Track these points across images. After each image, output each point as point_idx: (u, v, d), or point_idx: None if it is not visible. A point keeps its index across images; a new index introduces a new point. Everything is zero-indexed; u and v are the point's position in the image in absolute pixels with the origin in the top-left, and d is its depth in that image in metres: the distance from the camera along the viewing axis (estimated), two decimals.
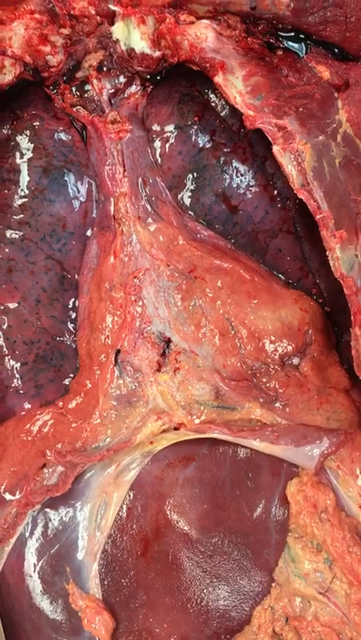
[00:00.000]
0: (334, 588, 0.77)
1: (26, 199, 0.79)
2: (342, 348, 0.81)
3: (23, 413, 0.81)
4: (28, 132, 0.78)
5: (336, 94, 0.72)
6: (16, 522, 0.77)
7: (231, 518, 0.81)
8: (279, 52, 0.73)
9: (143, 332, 0.78)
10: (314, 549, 0.78)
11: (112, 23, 0.71)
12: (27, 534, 0.80)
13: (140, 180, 0.76)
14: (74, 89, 0.75)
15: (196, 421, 0.78)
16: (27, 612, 0.80)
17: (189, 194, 0.80)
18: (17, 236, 0.80)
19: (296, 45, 0.73)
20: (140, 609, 0.81)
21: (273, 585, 0.81)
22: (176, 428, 0.78)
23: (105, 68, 0.74)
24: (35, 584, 0.80)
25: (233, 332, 0.77)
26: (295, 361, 0.79)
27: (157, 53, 0.72)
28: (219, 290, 0.77)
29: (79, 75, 0.74)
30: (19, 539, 0.79)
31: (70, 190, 0.80)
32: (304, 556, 0.79)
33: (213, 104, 0.78)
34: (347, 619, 0.77)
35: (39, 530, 0.80)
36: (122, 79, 0.75)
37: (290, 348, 0.78)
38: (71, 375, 0.82)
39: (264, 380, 0.78)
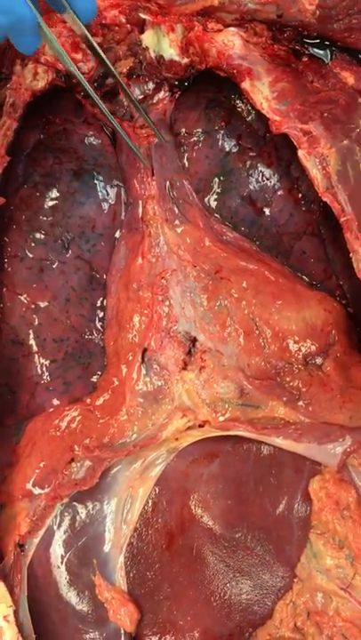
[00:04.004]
0: (356, 584, 0.78)
1: (57, 201, 0.81)
2: None
3: (52, 409, 0.83)
4: (59, 137, 0.80)
5: (360, 100, 0.73)
6: (45, 514, 0.79)
7: (254, 514, 0.82)
8: (305, 59, 0.75)
9: (170, 332, 0.79)
10: (336, 546, 0.79)
11: (142, 31, 0.73)
12: (55, 527, 0.81)
13: (168, 183, 0.78)
14: (104, 95, 0.77)
15: (221, 419, 0.79)
16: (54, 603, 0.82)
17: (216, 197, 0.82)
18: (48, 237, 0.82)
19: (321, 52, 0.75)
20: (165, 601, 0.82)
21: (295, 580, 0.82)
22: (201, 425, 0.79)
23: (134, 75, 0.76)
24: (62, 575, 0.82)
25: (257, 332, 0.78)
26: (318, 361, 0.80)
27: (186, 60, 0.74)
28: (244, 290, 0.78)
29: (109, 81, 0.76)
30: (47, 531, 0.80)
31: (100, 193, 0.82)
32: (326, 553, 0.80)
33: (240, 109, 0.80)
34: None
35: (67, 522, 0.81)
36: (151, 85, 0.77)
37: (313, 347, 0.79)
38: (99, 373, 0.84)
39: (288, 379, 0.79)
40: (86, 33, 0.65)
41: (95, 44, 0.66)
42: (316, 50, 0.75)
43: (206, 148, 0.80)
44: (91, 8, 0.62)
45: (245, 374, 0.79)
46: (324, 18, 0.71)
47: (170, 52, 0.73)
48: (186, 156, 0.80)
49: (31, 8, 0.56)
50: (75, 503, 0.82)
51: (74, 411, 0.81)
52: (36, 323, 0.83)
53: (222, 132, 0.80)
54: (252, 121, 0.80)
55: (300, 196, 0.81)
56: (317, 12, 0.70)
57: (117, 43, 0.74)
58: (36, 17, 0.57)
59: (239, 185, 0.81)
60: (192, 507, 0.82)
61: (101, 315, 0.84)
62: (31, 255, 0.82)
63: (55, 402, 0.83)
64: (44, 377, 0.83)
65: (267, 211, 0.81)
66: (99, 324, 0.84)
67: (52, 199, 0.82)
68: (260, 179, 0.81)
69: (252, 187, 0.81)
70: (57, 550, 0.81)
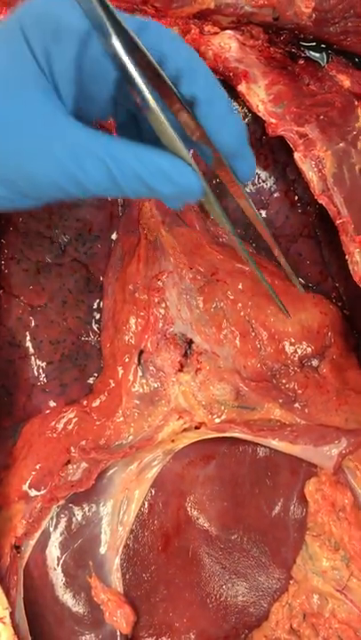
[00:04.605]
0: (351, 585, 0.78)
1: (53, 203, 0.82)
2: None
3: (48, 411, 0.83)
4: None
5: (356, 102, 0.74)
6: (41, 516, 0.79)
7: (250, 516, 0.82)
8: (301, 62, 0.75)
9: (166, 334, 0.79)
10: (331, 547, 0.79)
11: None
12: (51, 529, 0.82)
13: None
14: None
15: (217, 421, 0.79)
16: (50, 605, 0.82)
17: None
18: (45, 240, 0.82)
19: (317, 55, 0.75)
20: (161, 603, 0.82)
21: (291, 582, 0.82)
22: (197, 427, 0.80)
23: None
24: (58, 577, 0.82)
25: (253, 334, 0.79)
26: (314, 363, 0.80)
27: None
28: (240, 292, 0.79)
29: None
30: (43, 533, 0.81)
31: None
32: (322, 554, 0.80)
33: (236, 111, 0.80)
34: None
35: (63, 524, 0.82)
36: None
37: (309, 350, 0.79)
38: (95, 374, 0.84)
39: (284, 381, 0.79)
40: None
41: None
42: (312, 53, 0.75)
43: None
44: (251, 172, 0.59)
45: (241, 376, 0.79)
46: (320, 21, 0.71)
47: None
48: None
49: (201, 181, 0.50)
50: (71, 505, 0.82)
51: (70, 412, 0.82)
52: (33, 325, 0.83)
53: None
54: (249, 123, 0.80)
55: (296, 198, 0.82)
56: (314, 15, 0.70)
57: None
58: (205, 189, 0.51)
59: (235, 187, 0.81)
60: (188, 508, 0.83)
61: (98, 317, 0.84)
62: (28, 257, 0.82)
63: (52, 403, 0.84)
64: (41, 379, 0.83)
65: (263, 213, 0.82)
66: (95, 326, 0.84)
67: None
68: (256, 181, 0.81)
69: (248, 189, 0.81)
70: (53, 552, 0.82)
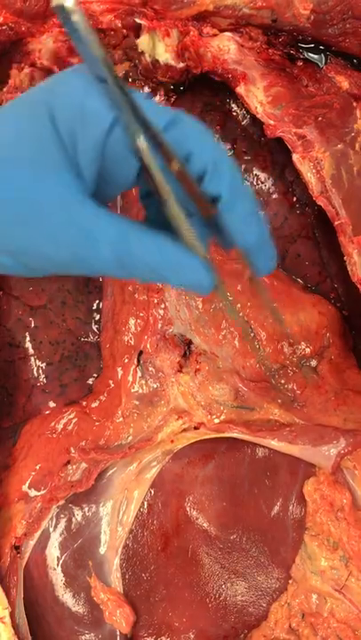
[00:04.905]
0: (350, 585, 0.78)
1: None
2: (359, 352, 0.83)
3: (48, 412, 0.83)
4: None
5: (355, 104, 0.74)
6: (41, 516, 0.79)
7: (249, 516, 0.82)
8: (299, 63, 0.75)
9: (165, 334, 0.80)
10: (330, 547, 0.80)
11: (138, 36, 0.73)
12: (51, 529, 0.82)
13: None
14: None
15: (216, 421, 0.79)
16: (50, 605, 0.82)
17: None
18: None
19: (316, 56, 0.75)
20: (160, 603, 0.83)
21: (290, 582, 0.82)
22: (196, 428, 0.80)
23: (130, 79, 0.76)
24: (58, 577, 0.82)
25: (252, 335, 0.79)
26: (313, 363, 0.80)
27: (181, 65, 0.74)
28: (239, 293, 0.79)
29: None
30: (43, 533, 0.81)
31: None
32: (320, 554, 0.80)
33: (235, 113, 0.80)
34: None
35: (63, 524, 0.82)
36: (146, 89, 0.77)
37: (308, 350, 0.79)
38: (95, 375, 0.85)
39: (282, 381, 0.79)
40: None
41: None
42: (310, 54, 0.75)
43: None
44: (271, 267, 0.57)
45: (240, 377, 0.79)
46: (318, 23, 0.71)
47: (165, 56, 0.74)
48: None
49: (211, 273, 0.49)
50: (71, 505, 0.82)
51: (70, 413, 0.82)
52: (33, 325, 0.83)
53: (218, 135, 0.81)
54: (247, 125, 0.80)
55: (294, 199, 0.82)
56: (312, 16, 0.71)
57: (113, 47, 0.74)
58: (214, 281, 0.50)
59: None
60: (187, 508, 0.83)
61: (97, 317, 0.84)
62: None
63: (51, 404, 0.84)
64: (41, 379, 0.84)
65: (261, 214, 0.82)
66: (95, 327, 0.84)
67: None
68: (254, 182, 0.82)
69: None
70: (53, 552, 0.82)
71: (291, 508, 0.82)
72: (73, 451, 0.79)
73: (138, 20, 0.72)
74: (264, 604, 0.83)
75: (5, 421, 0.83)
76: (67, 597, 0.82)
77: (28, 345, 0.83)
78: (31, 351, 0.83)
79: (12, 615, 0.73)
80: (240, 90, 0.72)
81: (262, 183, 0.82)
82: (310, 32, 0.72)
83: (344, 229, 0.71)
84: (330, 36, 0.72)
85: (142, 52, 0.74)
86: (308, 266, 0.83)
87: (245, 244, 0.52)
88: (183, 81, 0.76)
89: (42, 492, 0.79)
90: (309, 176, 0.71)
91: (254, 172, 0.81)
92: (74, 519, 0.82)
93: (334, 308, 0.82)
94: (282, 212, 0.82)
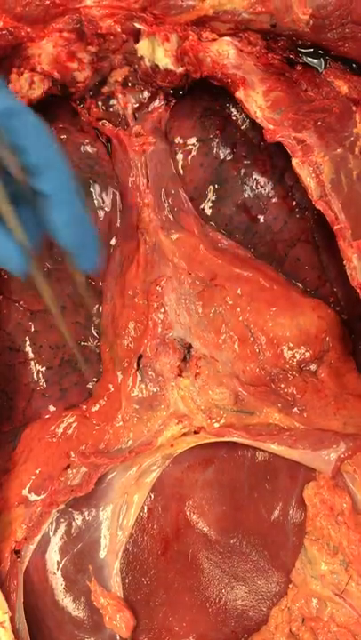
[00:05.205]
0: (350, 589, 0.78)
1: None
2: (359, 355, 0.83)
3: (48, 416, 0.83)
4: None
5: (354, 108, 0.74)
6: (40, 521, 0.79)
7: (249, 520, 0.82)
8: (298, 68, 0.75)
9: (165, 338, 0.80)
10: (330, 551, 0.80)
11: (137, 41, 0.73)
12: (51, 533, 0.82)
13: (163, 191, 0.79)
14: (100, 103, 0.77)
15: (216, 425, 0.79)
16: (50, 609, 0.82)
17: (210, 204, 0.82)
18: (45, 244, 0.82)
19: (315, 61, 0.75)
20: (160, 607, 0.83)
21: (290, 586, 0.82)
22: (196, 432, 0.80)
23: (130, 84, 0.76)
24: (58, 581, 0.82)
25: (252, 339, 0.79)
26: (313, 367, 0.80)
27: (181, 69, 0.74)
28: (239, 297, 0.79)
29: (105, 90, 0.76)
30: (43, 537, 0.81)
31: (95, 201, 0.82)
32: (320, 558, 0.80)
33: (234, 118, 0.80)
34: None
35: (63, 529, 0.82)
36: (146, 94, 0.77)
37: (307, 354, 0.79)
38: (94, 379, 0.85)
39: (282, 385, 0.79)
40: None
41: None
42: (310, 59, 0.75)
43: (201, 156, 0.81)
44: (90, 267, 0.62)
45: (240, 381, 0.79)
46: (317, 27, 0.71)
47: (165, 61, 0.74)
48: (181, 164, 0.81)
49: (23, 257, 0.56)
50: (70, 509, 0.82)
51: (70, 417, 0.82)
52: (33, 329, 0.83)
53: (217, 140, 0.81)
54: (247, 129, 0.80)
55: (294, 203, 0.82)
56: (311, 21, 0.71)
57: (113, 52, 0.74)
58: (26, 266, 0.57)
59: (234, 193, 0.82)
60: (187, 513, 0.83)
61: (97, 322, 0.84)
62: None
63: (51, 408, 0.84)
64: (41, 383, 0.84)
65: (261, 218, 0.82)
66: (94, 331, 0.84)
67: None
68: (254, 186, 0.82)
69: (246, 194, 0.82)
70: (53, 556, 0.82)
71: (291, 512, 0.82)
72: (73, 455, 0.79)
73: (137, 25, 0.72)
74: (264, 609, 0.83)
75: (5, 425, 0.83)
76: (67, 602, 0.82)
77: (28, 349, 0.83)
78: (31, 355, 0.83)
79: (11, 620, 0.73)
80: (239, 94, 0.72)
81: (262, 187, 0.82)
82: (309, 37, 0.72)
83: (343, 233, 0.71)
84: (329, 40, 0.72)
85: (142, 57, 0.74)
86: (307, 270, 0.83)
87: (65, 245, 0.57)
88: (183, 85, 0.76)
89: (42, 497, 0.79)
90: (309, 180, 0.72)
91: (254, 177, 0.81)
92: (74, 523, 0.82)
93: (334, 311, 0.82)
94: (281, 216, 0.82)
